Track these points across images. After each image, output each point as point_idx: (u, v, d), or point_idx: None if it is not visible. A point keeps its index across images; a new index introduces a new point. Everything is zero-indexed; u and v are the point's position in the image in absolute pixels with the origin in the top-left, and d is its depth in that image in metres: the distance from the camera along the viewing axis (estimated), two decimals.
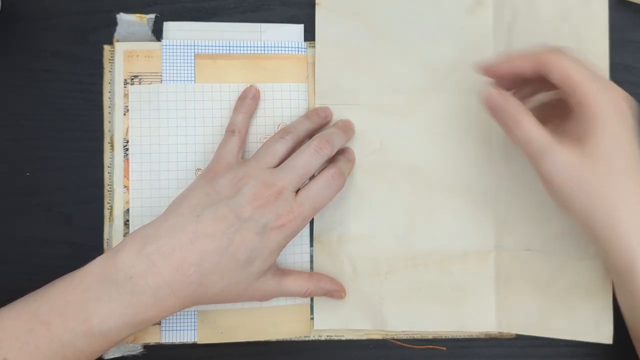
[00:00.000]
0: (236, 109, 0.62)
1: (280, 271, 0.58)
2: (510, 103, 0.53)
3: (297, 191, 0.56)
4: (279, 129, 0.61)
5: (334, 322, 0.62)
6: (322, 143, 0.57)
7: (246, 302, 0.60)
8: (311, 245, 0.63)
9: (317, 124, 0.61)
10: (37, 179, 0.63)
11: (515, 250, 0.62)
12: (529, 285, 0.62)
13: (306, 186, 0.56)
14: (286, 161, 0.57)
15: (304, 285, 0.59)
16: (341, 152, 0.62)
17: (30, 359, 0.50)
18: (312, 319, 0.62)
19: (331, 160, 0.60)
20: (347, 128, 0.62)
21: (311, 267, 0.63)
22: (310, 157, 0.56)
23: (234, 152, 0.59)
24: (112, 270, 0.51)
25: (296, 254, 0.62)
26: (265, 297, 0.57)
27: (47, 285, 0.53)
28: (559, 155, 0.51)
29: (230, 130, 0.60)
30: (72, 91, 0.63)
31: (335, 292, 0.61)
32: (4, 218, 0.62)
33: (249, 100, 0.61)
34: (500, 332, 0.62)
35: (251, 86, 0.62)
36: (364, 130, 0.63)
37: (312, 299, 0.62)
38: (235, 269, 0.53)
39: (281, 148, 0.57)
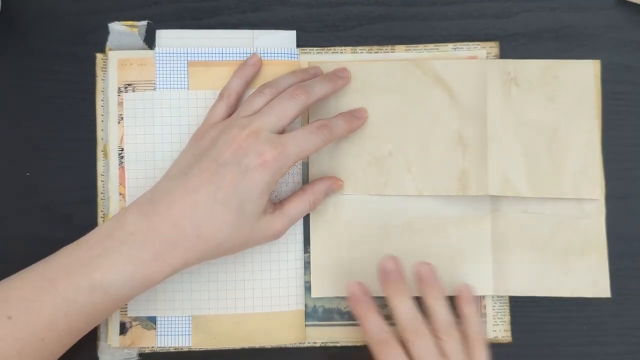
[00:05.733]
0: (234, 73, 0.62)
1: (279, 204, 0.58)
2: (367, 299, 0.58)
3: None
4: (260, 85, 0.60)
5: (330, 291, 0.63)
6: (297, 89, 0.57)
7: (239, 308, 0.61)
8: (305, 251, 0.63)
9: (302, 79, 0.61)
10: (37, 179, 0.63)
11: (511, 213, 0.63)
12: (525, 247, 0.62)
13: (292, 131, 0.56)
14: (263, 107, 0.57)
15: (304, 201, 0.59)
16: (347, 111, 0.62)
17: (35, 317, 0.51)
18: (306, 325, 0.62)
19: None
20: (334, 78, 0.61)
21: (305, 271, 0.63)
22: (285, 101, 0.57)
23: (220, 116, 0.59)
24: (116, 227, 0.53)
25: (290, 260, 0.62)
26: (278, 234, 0.58)
27: (58, 250, 0.54)
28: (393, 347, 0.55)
29: (221, 95, 0.60)
30: (72, 91, 0.64)
31: (333, 185, 0.62)
32: (4, 218, 0.63)
33: (248, 67, 0.62)
34: (495, 337, 0.63)
35: (254, 54, 0.62)
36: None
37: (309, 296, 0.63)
38: (230, 216, 0.53)
39: (259, 100, 0.58)
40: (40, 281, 0.52)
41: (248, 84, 0.62)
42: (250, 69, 0.62)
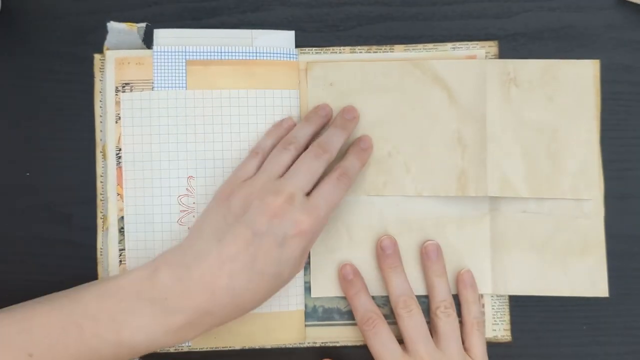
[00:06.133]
0: (267, 133, 0.62)
1: None
2: (359, 279, 0.62)
3: (309, 195, 0.56)
4: (282, 141, 0.60)
5: (329, 290, 0.63)
6: (319, 150, 0.57)
7: None
8: None
9: (318, 125, 0.61)
10: (37, 179, 0.63)
11: (510, 213, 0.63)
12: (524, 247, 0.63)
13: (317, 188, 0.56)
14: (290, 168, 0.57)
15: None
16: (354, 145, 0.62)
17: (56, 359, 0.50)
18: (306, 325, 0.63)
19: (344, 154, 0.61)
20: (346, 123, 0.61)
21: (305, 271, 0.63)
22: (311, 161, 0.57)
23: (250, 173, 0.58)
24: (148, 287, 0.52)
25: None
26: (301, 269, 0.58)
27: (81, 288, 0.54)
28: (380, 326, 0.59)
29: (254, 152, 0.60)
30: (71, 91, 0.63)
31: None
32: (4, 218, 0.63)
33: (282, 129, 0.61)
34: (495, 337, 0.63)
35: (289, 118, 0.62)
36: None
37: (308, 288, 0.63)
38: (267, 285, 0.53)
39: (285, 158, 0.58)
40: (66, 322, 0.51)
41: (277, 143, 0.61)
42: (285, 132, 0.61)
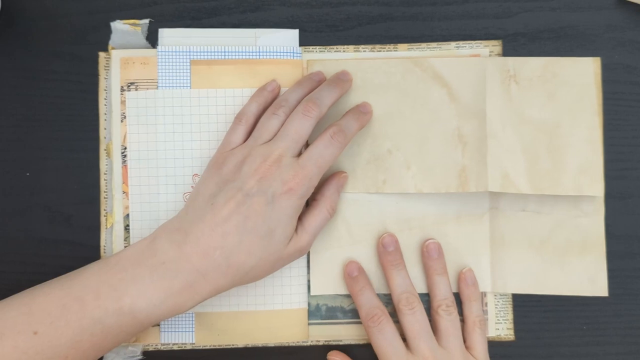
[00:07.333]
0: (252, 97, 0.61)
1: (299, 222, 0.58)
2: (363, 276, 0.62)
3: (300, 156, 0.56)
4: (272, 104, 0.60)
5: (330, 288, 0.63)
6: (308, 105, 0.57)
7: (242, 305, 0.61)
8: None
9: (309, 89, 0.61)
10: (37, 179, 0.63)
11: (510, 211, 0.63)
12: (523, 245, 0.63)
13: (308, 149, 0.57)
14: (279, 131, 0.57)
15: (322, 211, 0.59)
16: (353, 108, 0.62)
17: (60, 334, 0.51)
18: (309, 324, 0.63)
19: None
20: (339, 82, 0.61)
21: (308, 270, 0.63)
22: (299, 121, 0.57)
23: (238, 141, 0.59)
24: (147, 255, 0.54)
25: (292, 267, 0.63)
26: (304, 251, 0.58)
27: (80, 268, 0.55)
28: (384, 323, 0.59)
29: (238, 119, 0.60)
30: (72, 91, 0.63)
31: (339, 181, 0.62)
32: (4, 218, 0.62)
33: (266, 92, 0.61)
34: (498, 336, 0.63)
35: (273, 80, 0.62)
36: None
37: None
38: (260, 243, 0.54)
39: (275, 123, 0.58)
40: (67, 298, 0.52)
41: (265, 109, 0.61)
42: (269, 95, 0.61)
